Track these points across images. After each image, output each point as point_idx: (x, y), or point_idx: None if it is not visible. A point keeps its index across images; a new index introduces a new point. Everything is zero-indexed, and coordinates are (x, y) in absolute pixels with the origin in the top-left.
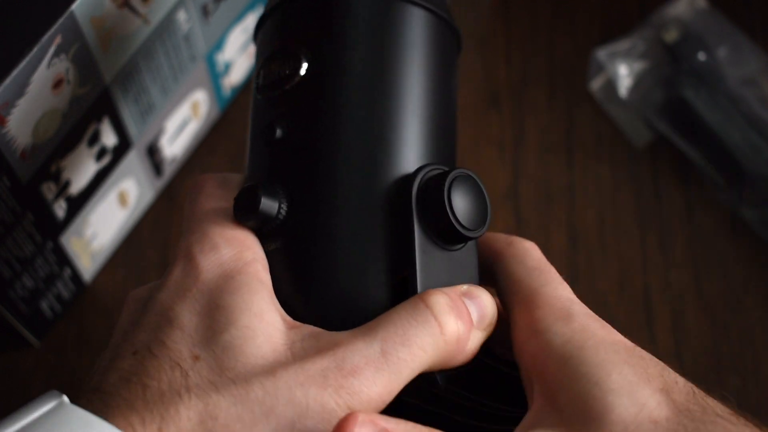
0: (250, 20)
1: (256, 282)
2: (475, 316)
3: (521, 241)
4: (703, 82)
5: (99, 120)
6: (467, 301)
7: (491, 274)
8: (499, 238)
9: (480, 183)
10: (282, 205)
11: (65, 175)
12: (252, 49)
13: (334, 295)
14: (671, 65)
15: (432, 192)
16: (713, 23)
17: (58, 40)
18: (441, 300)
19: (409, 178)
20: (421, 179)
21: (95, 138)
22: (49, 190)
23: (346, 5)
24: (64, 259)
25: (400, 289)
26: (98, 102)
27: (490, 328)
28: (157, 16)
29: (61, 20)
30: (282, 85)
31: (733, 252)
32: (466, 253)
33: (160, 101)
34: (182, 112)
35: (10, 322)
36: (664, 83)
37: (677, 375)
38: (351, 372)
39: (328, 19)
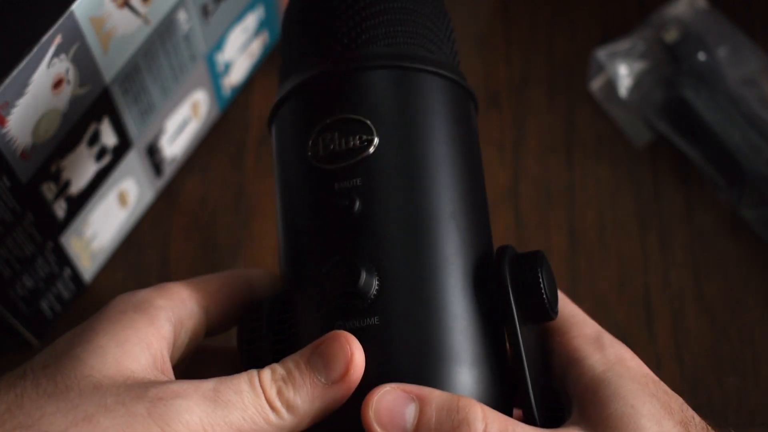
0: (250, 20)
1: (146, 323)
2: (322, 374)
3: None
4: (703, 82)
5: (99, 120)
6: (315, 359)
7: None
8: None
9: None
10: (376, 282)
11: (65, 175)
12: (252, 48)
13: (434, 378)
14: (671, 65)
15: (527, 274)
16: (713, 23)
17: (58, 40)
18: (267, 379)
19: (498, 257)
20: (509, 259)
21: (95, 138)
22: (49, 190)
23: (409, 81)
24: (64, 259)
25: (500, 363)
26: (98, 102)
27: (356, 373)
28: (157, 16)
29: (61, 20)
30: (351, 156)
31: (733, 252)
32: (539, 329)
33: (160, 101)
34: (182, 112)
35: (10, 322)
36: (664, 83)
37: (693, 412)
38: (175, 394)
39: (397, 94)
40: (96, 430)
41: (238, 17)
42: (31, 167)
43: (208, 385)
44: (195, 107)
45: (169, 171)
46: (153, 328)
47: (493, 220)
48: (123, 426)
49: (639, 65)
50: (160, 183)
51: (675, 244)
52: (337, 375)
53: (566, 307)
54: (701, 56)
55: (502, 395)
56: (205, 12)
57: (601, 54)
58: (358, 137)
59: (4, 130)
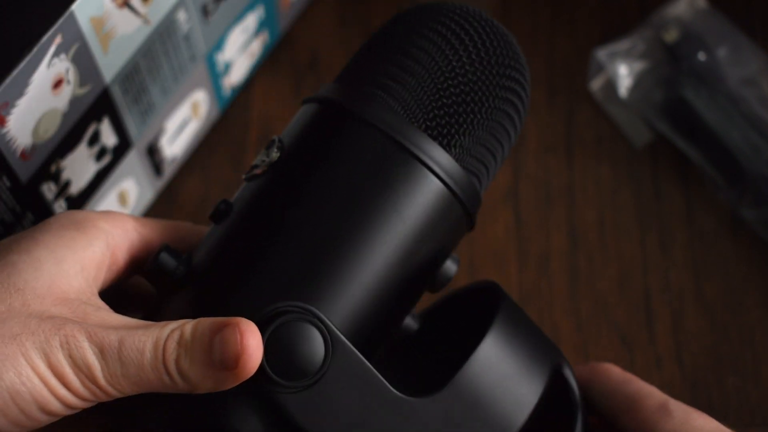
0: (250, 20)
1: (84, 244)
2: (217, 356)
3: (598, 364)
4: (703, 82)
5: (99, 120)
6: (216, 339)
7: (587, 399)
8: (582, 371)
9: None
10: (180, 266)
11: (65, 175)
12: (252, 48)
13: None
14: (671, 65)
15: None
16: (713, 23)
17: (58, 40)
18: (172, 345)
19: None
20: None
21: (95, 138)
22: (49, 190)
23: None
24: None
25: None
26: (98, 102)
27: (249, 365)
28: (157, 16)
29: (61, 20)
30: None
31: (733, 252)
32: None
33: (160, 101)
34: (182, 112)
35: None
36: (664, 83)
37: None
38: (89, 337)
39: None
40: (21, 352)
41: (238, 17)
42: (31, 167)
43: (114, 336)
44: (195, 107)
45: (169, 171)
46: (90, 251)
47: (493, 220)
48: (42, 351)
49: (639, 65)
50: (160, 183)
51: (675, 244)
52: (229, 364)
53: (630, 384)
54: (701, 56)
55: None
56: (205, 12)
57: (601, 54)
58: (264, 156)
59: (4, 130)
